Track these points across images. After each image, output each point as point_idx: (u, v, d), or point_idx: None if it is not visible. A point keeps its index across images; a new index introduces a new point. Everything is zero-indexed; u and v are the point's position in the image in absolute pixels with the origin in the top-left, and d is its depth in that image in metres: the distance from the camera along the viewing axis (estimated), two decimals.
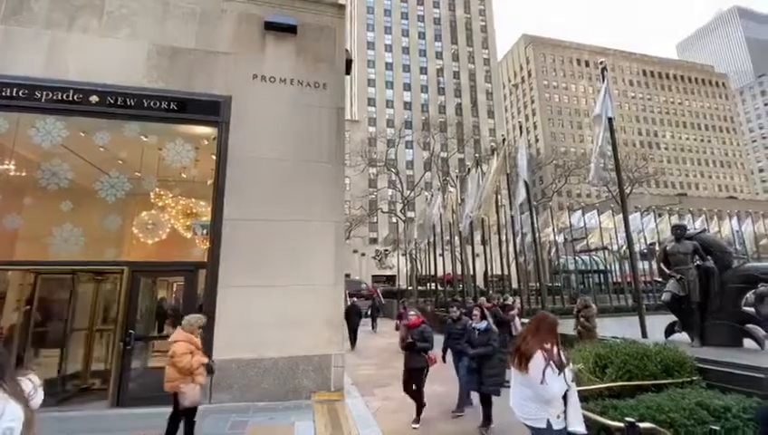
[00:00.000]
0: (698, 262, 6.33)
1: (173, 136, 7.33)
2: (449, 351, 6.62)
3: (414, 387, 5.76)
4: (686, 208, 35.40)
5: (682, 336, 6.66)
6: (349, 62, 8.75)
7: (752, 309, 6.24)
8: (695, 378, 4.48)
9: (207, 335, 6.45)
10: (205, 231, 7.45)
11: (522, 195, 13.50)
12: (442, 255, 22.28)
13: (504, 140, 15.27)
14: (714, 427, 3.01)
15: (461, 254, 21.63)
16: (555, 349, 3.03)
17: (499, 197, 16.62)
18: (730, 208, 37.07)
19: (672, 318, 6.95)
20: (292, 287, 6.92)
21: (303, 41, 8.01)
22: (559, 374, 2.96)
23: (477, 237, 20.96)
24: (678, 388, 4.18)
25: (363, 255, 49.73)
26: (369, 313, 22.73)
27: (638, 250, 25.57)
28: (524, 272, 21.41)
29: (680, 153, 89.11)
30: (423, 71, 70.04)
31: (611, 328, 8.99)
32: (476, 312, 5.95)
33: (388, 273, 45.32)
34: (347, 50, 8.64)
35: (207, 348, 6.41)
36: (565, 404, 2.99)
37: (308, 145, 7.65)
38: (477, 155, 48.22)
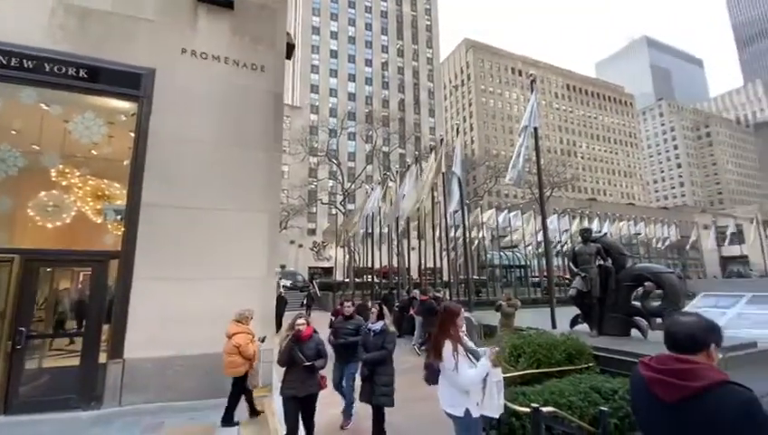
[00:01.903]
0: (600, 262, 7.17)
1: (82, 107, 6.47)
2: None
3: (304, 417, 4.37)
4: (594, 212, 39.85)
5: (584, 327, 7.52)
6: (290, 47, 8.41)
7: (639, 303, 7.21)
8: (591, 364, 5.09)
9: (118, 332, 5.89)
10: (119, 217, 6.72)
11: (456, 193, 14.17)
12: (380, 248, 22.63)
13: (441, 140, 15.84)
14: (602, 408, 3.46)
15: (398, 247, 22.16)
16: (459, 334, 3.23)
17: (435, 194, 17.26)
18: (629, 214, 42.50)
19: (577, 311, 7.82)
20: (219, 280, 6.54)
21: (241, 19, 7.51)
22: (474, 361, 3.15)
23: (414, 232, 21.63)
24: (578, 374, 4.73)
25: (300, 246, 48.62)
26: (304, 302, 22.54)
27: (561, 248, 28.36)
28: (455, 266, 22.59)
29: (592, 162, 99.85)
30: (368, 63, 69.80)
31: (528, 319, 9.87)
32: (374, 310, 5.04)
33: (325, 265, 44.86)
34: (288, 33, 8.30)
35: (118, 345, 5.87)
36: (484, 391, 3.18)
37: (242, 129, 7.23)
38: (417, 152, 49.47)
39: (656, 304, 6.97)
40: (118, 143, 6.78)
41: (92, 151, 6.79)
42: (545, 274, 22.84)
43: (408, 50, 73.69)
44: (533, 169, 16.82)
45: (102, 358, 5.95)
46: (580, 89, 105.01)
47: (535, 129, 9.70)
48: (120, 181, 6.85)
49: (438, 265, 19.10)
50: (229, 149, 7.05)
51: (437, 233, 19.68)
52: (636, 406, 1.72)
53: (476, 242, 29.01)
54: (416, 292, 13.72)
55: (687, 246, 42.54)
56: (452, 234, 18.34)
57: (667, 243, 38.65)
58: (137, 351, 5.88)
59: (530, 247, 29.40)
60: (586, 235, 7.59)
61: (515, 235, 30.38)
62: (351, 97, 67.05)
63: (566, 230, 29.80)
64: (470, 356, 3.16)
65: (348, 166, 57.06)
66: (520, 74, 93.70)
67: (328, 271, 40.91)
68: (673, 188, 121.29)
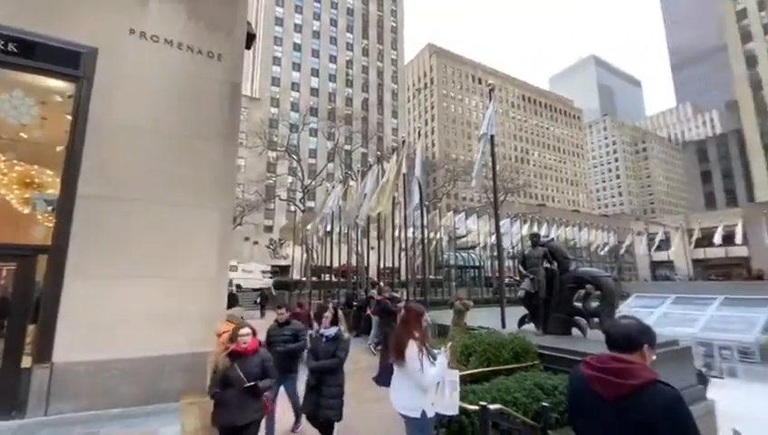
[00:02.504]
0: (546, 265, 7.60)
1: (10, 85, 5.84)
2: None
3: None
4: (544, 217, 42.14)
5: (531, 326, 7.93)
6: (251, 36, 8.10)
7: (580, 304, 7.71)
8: (536, 362, 5.38)
9: (46, 334, 5.38)
10: (50, 207, 6.13)
11: (416, 195, 14.39)
12: (339, 247, 22.44)
13: (403, 142, 16.02)
14: (544, 403, 3.66)
15: (357, 246, 22.10)
16: (422, 335, 3.28)
17: (396, 194, 17.41)
18: (575, 219, 45.37)
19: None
20: (164, 279, 6.16)
21: (198, 3, 7.12)
22: (434, 361, 3.21)
23: (374, 232, 21.68)
24: (524, 371, 4.98)
25: (256, 243, 47.05)
26: (257, 301, 21.98)
27: (513, 250, 29.66)
28: (413, 265, 22.92)
29: (543, 170, 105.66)
30: (332, 59, 69.03)
31: (481, 319, 10.22)
32: (328, 314, 4.53)
33: (282, 263, 43.73)
34: (249, 22, 8.00)
35: (45, 348, 5.36)
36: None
37: (195, 119, 6.86)
38: (379, 152, 49.63)
39: (594, 304, 7.50)
40: (52, 126, 6.19)
41: (21, 134, 6.15)
42: (497, 274, 23.77)
43: (372, 49, 73.74)
44: (490, 174, 17.49)
45: (27, 362, 5.41)
46: (535, 100, 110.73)
47: (492, 136, 10.09)
48: (54, 168, 6.25)
49: (397, 264, 19.26)
50: (180, 140, 6.66)
51: (397, 233, 19.88)
52: (574, 403, 1.83)
53: (434, 243, 29.64)
54: (373, 291, 13.77)
55: (622, 251, 46.21)
56: (410, 234, 18.59)
57: (606, 248, 41.74)
58: (68, 354, 5.39)
59: (484, 248, 30.58)
60: (535, 239, 8.00)
61: (470, 236, 31.39)
62: (314, 92, 65.96)
63: (517, 233, 31.26)
64: (430, 356, 3.22)
65: (308, 162, 56.06)
66: (480, 82, 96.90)
67: (285, 269, 39.92)
68: (613, 197, 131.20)
